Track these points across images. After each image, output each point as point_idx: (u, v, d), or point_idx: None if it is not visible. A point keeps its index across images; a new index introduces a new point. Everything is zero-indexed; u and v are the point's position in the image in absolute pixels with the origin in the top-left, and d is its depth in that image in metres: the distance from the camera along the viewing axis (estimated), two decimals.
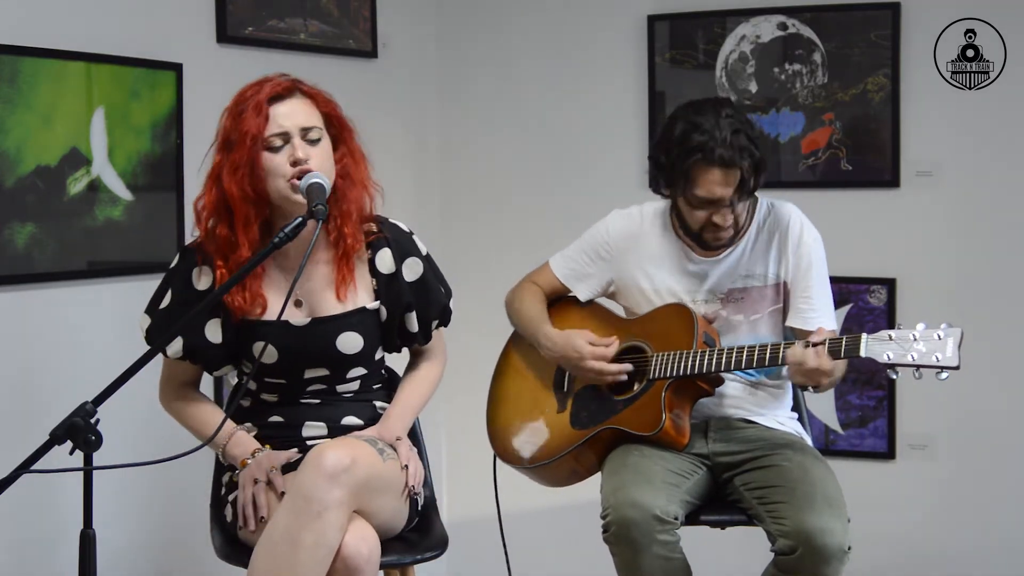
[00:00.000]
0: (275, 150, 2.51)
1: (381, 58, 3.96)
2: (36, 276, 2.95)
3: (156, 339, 2.57)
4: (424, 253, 2.72)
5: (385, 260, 2.66)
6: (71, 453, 2.09)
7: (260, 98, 2.52)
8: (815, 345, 2.58)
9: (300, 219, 2.38)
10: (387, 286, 2.65)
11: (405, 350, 2.79)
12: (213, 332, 2.57)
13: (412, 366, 2.82)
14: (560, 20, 4.09)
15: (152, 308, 2.62)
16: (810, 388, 2.67)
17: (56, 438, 2.07)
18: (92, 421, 2.08)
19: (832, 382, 2.68)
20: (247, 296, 2.54)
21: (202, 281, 2.58)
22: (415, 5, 4.16)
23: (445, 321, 2.78)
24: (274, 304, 2.56)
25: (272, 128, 2.51)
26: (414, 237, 2.73)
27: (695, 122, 2.74)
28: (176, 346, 2.58)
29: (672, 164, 2.77)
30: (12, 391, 2.92)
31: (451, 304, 2.77)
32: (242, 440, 2.58)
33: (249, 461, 2.52)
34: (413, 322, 2.69)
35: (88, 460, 2.08)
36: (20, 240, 2.91)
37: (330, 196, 2.55)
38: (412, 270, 2.68)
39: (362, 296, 2.64)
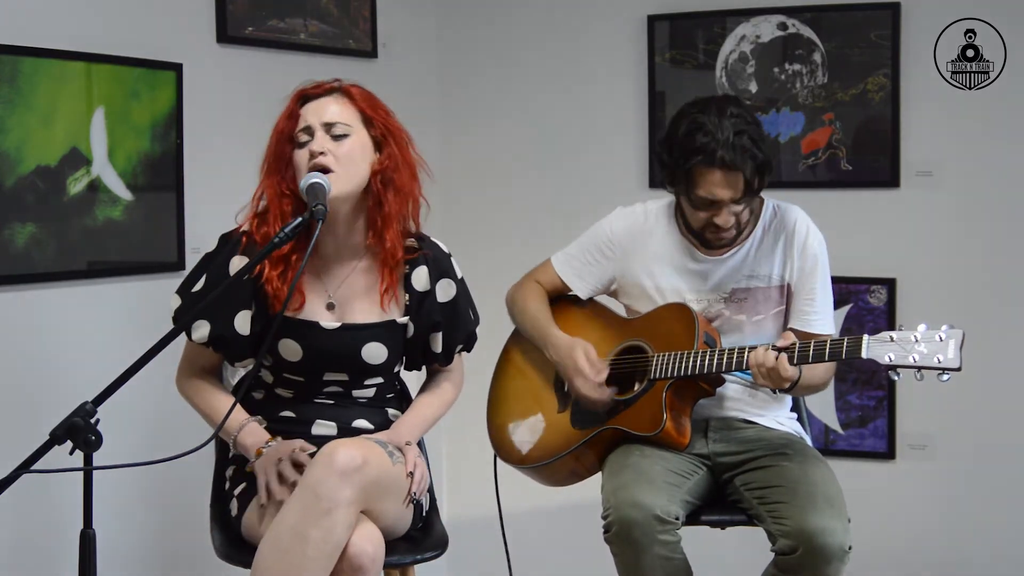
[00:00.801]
0: (302, 146, 2.55)
1: (381, 58, 3.96)
2: (36, 276, 2.95)
3: (182, 320, 2.58)
4: (459, 277, 2.74)
5: (421, 278, 2.67)
6: (71, 453, 2.09)
7: (292, 99, 2.60)
8: (780, 349, 2.59)
9: (300, 219, 2.39)
10: (419, 304, 2.67)
11: (423, 368, 2.81)
12: (242, 323, 2.58)
13: (430, 383, 2.83)
14: (560, 20, 4.09)
15: (184, 290, 2.63)
16: (776, 391, 2.70)
17: (56, 438, 2.07)
18: (92, 421, 2.07)
19: (808, 387, 2.73)
20: (286, 290, 2.54)
21: (236, 269, 2.58)
22: (415, 5, 4.16)
23: (469, 347, 2.79)
24: (312, 303, 2.58)
25: (299, 125, 2.56)
26: (452, 259, 2.75)
27: (699, 122, 2.74)
28: (202, 331, 2.58)
29: (675, 164, 2.77)
30: (12, 391, 2.92)
31: (477, 331, 2.79)
32: (255, 430, 2.59)
33: (264, 450, 2.53)
34: (438, 343, 2.71)
35: (88, 460, 2.08)
36: (20, 240, 2.91)
37: (370, 200, 2.59)
38: (445, 291, 2.70)
39: (393, 309, 2.65)
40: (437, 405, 2.78)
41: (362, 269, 2.64)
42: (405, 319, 2.66)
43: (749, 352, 2.66)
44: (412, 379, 2.87)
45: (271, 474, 2.47)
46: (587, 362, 2.85)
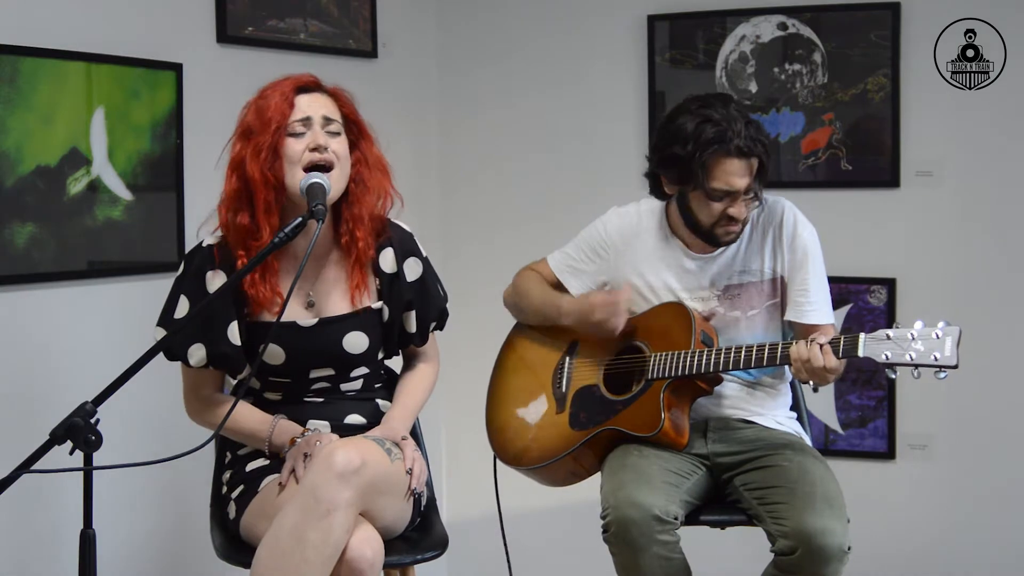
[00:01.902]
0: (297, 136, 2.53)
1: (381, 58, 3.97)
2: (36, 276, 2.95)
3: (176, 349, 2.57)
4: (424, 255, 2.73)
5: (388, 260, 2.67)
6: (71, 453, 2.09)
7: (286, 87, 2.56)
8: (821, 345, 2.57)
9: (300, 219, 2.39)
10: (389, 286, 2.66)
11: (400, 353, 2.80)
12: (234, 335, 2.57)
13: (408, 368, 2.82)
14: (560, 20, 4.09)
15: (166, 320, 2.60)
16: (811, 384, 2.66)
17: (56, 438, 2.07)
18: (92, 421, 2.08)
19: (834, 378, 2.68)
20: (267, 291, 2.55)
21: (215, 284, 2.57)
22: (415, 5, 4.16)
23: (441, 324, 2.79)
24: (290, 303, 2.55)
25: (296, 114, 2.54)
26: (415, 238, 2.74)
27: (706, 115, 2.74)
28: (200, 354, 2.56)
29: (689, 158, 2.75)
30: (12, 391, 2.92)
31: (447, 307, 2.78)
32: (286, 428, 2.58)
33: (298, 439, 2.53)
34: (412, 322, 2.70)
35: (88, 460, 2.09)
36: (20, 240, 2.91)
37: (342, 199, 2.58)
38: (413, 270, 2.70)
39: (367, 296, 2.65)
40: (422, 390, 2.77)
41: (334, 262, 2.64)
42: (380, 304, 2.66)
43: (769, 350, 2.65)
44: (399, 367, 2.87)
45: (299, 462, 2.47)
46: (601, 296, 2.87)
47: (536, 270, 3.08)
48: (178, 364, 2.62)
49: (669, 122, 2.84)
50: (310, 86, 2.60)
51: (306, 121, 2.54)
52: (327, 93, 2.61)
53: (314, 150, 2.51)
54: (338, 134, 2.57)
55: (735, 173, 2.72)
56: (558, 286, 3.05)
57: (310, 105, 2.56)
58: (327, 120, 2.56)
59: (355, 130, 2.63)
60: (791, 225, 2.85)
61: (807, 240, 2.85)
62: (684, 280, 2.90)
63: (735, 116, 2.73)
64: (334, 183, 2.51)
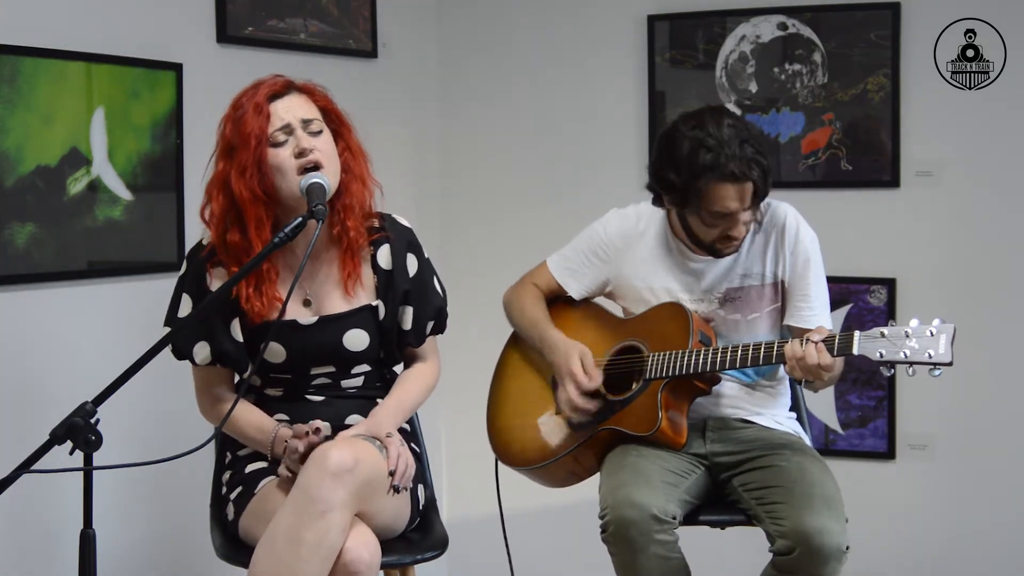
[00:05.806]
0: (280, 145, 2.52)
1: (381, 58, 3.97)
2: (36, 276, 2.95)
3: (182, 348, 2.58)
4: (423, 251, 2.73)
5: (385, 256, 2.67)
6: (71, 453, 2.09)
7: (259, 99, 2.53)
8: (815, 343, 2.57)
9: (300, 219, 2.39)
10: (387, 282, 2.66)
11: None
12: (237, 332, 2.57)
13: (407, 368, 2.81)
14: (560, 20, 4.09)
15: (171, 319, 2.61)
16: (804, 383, 2.66)
17: (56, 438, 2.07)
18: (92, 421, 2.08)
19: (832, 379, 2.68)
20: (264, 301, 2.54)
21: (215, 283, 2.57)
22: (415, 5, 4.16)
23: (440, 326, 2.77)
24: (290, 302, 2.55)
25: (274, 123, 2.52)
26: (414, 232, 2.74)
27: (699, 138, 2.70)
28: (205, 352, 2.57)
29: (684, 184, 2.73)
30: (12, 391, 2.92)
31: (446, 308, 2.77)
32: (285, 437, 2.57)
33: (288, 441, 2.52)
34: (408, 318, 2.69)
35: (88, 460, 2.09)
36: (20, 240, 2.91)
37: (335, 192, 2.57)
38: (411, 265, 2.70)
39: (366, 293, 2.65)
40: (417, 389, 2.75)
41: (331, 259, 2.64)
42: (379, 301, 2.66)
43: (765, 348, 2.65)
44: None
45: (293, 462, 2.49)
46: (582, 367, 2.85)
47: (536, 282, 3.07)
48: (182, 364, 2.63)
49: (664, 144, 2.79)
50: (282, 90, 2.57)
51: (286, 128, 2.52)
52: (300, 91, 2.59)
53: (300, 155, 2.51)
54: (320, 132, 2.55)
55: (731, 198, 2.71)
56: (559, 289, 3.05)
57: (286, 111, 2.54)
58: (306, 121, 2.54)
59: (335, 120, 2.62)
60: (793, 231, 2.85)
61: (809, 246, 2.85)
62: (685, 283, 2.90)
63: (729, 137, 2.68)
64: (330, 179, 2.52)
